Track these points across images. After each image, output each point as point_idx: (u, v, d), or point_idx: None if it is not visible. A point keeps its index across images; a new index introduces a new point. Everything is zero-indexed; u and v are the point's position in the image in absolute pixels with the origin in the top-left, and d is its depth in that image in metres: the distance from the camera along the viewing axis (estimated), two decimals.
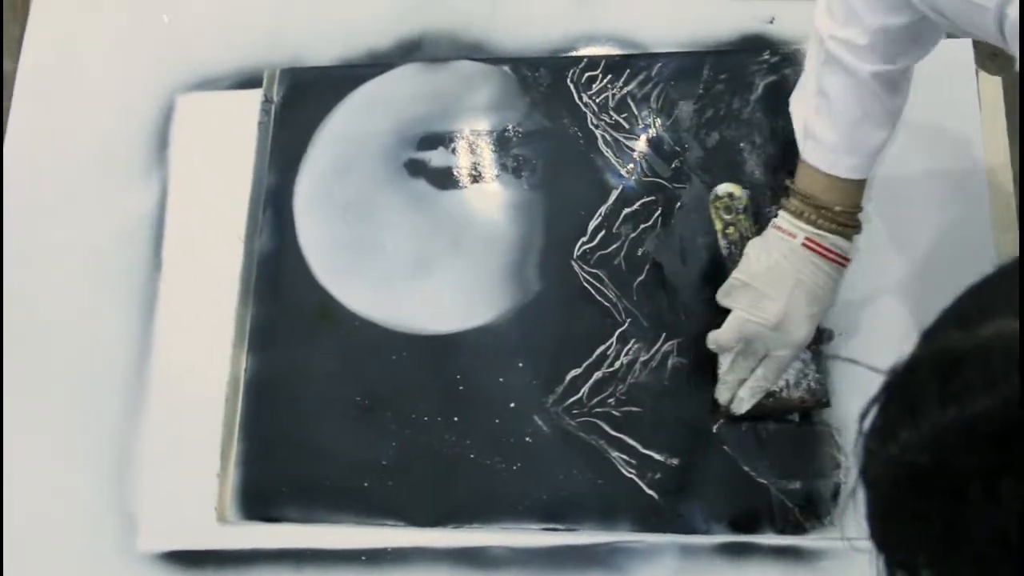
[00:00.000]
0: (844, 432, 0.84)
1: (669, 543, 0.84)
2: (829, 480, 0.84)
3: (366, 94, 1.01)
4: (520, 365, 0.90)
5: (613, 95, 0.97)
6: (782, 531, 0.83)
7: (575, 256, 0.92)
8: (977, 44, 0.93)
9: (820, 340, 0.84)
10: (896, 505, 0.41)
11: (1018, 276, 0.41)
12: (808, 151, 0.78)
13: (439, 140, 0.99)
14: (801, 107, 0.79)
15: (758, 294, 0.79)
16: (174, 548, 0.89)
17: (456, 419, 0.89)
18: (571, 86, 0.98)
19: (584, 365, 0.89)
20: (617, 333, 0.89)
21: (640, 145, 0.95)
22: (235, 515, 0.89)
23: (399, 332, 0.92)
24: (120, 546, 0.89)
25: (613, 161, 0.95)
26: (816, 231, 0.78)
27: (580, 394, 0.88)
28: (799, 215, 0.78)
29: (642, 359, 0.89)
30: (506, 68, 1.00)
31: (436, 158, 0.98)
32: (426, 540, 0.86)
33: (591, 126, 0.97)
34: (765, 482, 0.84)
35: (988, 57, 0.94)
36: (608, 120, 0.97)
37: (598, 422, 0.87)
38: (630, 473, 0.85)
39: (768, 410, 0.84)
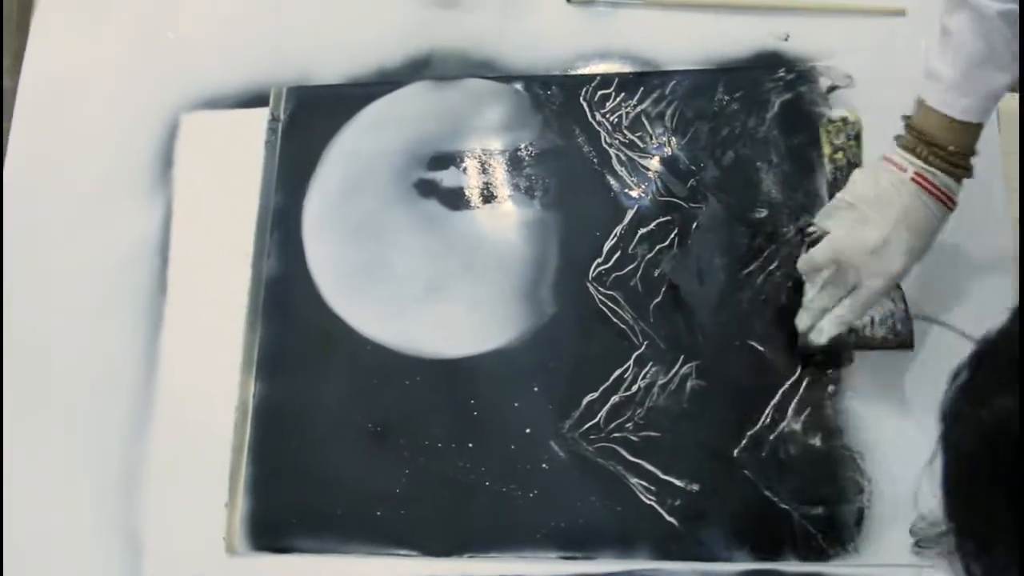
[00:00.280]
0: (867, 456, 0.83)
1: (689, 571, 0.82)
2: (852, 505, 0.82)
3: (375, 113, 1.00)
4: (535, 389, 0.88)
5: (627, 113, 0.96)
6: (805, 558, 0.81)
7: (590, 278, 0.91)
8: None
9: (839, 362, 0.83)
10: (981, 471, 0.41)
11: None
12: (926, 89, 0.77)
13: (450, 160, 0.97)
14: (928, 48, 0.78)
15: (861, 217, 0.77)
16: None
17: (470, 445, 0.87)
18: (584, 104, 0.97)
19: (601, 389, 0.87)
20: (634, 356, 0.88)
21: (655, 164, 0.94)
22: (244, 546, 0.87)
23: (411, 356, 0.90)
24: None
25: (628, 180, 0.94)
26: (927, 167, 0.76)
27: (597, 419, 0.86)
28: (911, 150, 0.77)
29: (660, 382, 0.87)
30: (518, 86, 0.99)
31: (447, 178, 0.96)
32: (441, 570, 0.84)
33: (605, 145, 0.95)
34: (787, 507, 0.82)
35: None
36: (622, 139, 0.95)
37: (616, 447, 0.85)
38: (649, 500, 0.84)
39: (847, 345, 0.83)
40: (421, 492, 0.86)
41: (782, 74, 0.96)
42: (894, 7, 0.97)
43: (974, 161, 0.77)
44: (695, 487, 0.84)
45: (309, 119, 1.00)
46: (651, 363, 0.88)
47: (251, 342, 0.93)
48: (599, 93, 0.97)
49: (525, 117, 0.98)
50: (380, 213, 0.96)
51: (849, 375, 0.85)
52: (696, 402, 0.86)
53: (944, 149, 0.76)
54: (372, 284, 0.93)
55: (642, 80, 0.97)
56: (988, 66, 0.74)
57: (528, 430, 0.87)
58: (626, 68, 0.99)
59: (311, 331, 0.93)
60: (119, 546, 0.88)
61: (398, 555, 0.85)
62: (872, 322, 0.82)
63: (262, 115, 1.01)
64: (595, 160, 0.95)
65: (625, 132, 0.96)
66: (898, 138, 0.79)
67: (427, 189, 0.96)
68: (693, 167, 0.93)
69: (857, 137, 0.89)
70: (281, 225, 0.97)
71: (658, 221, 0.92)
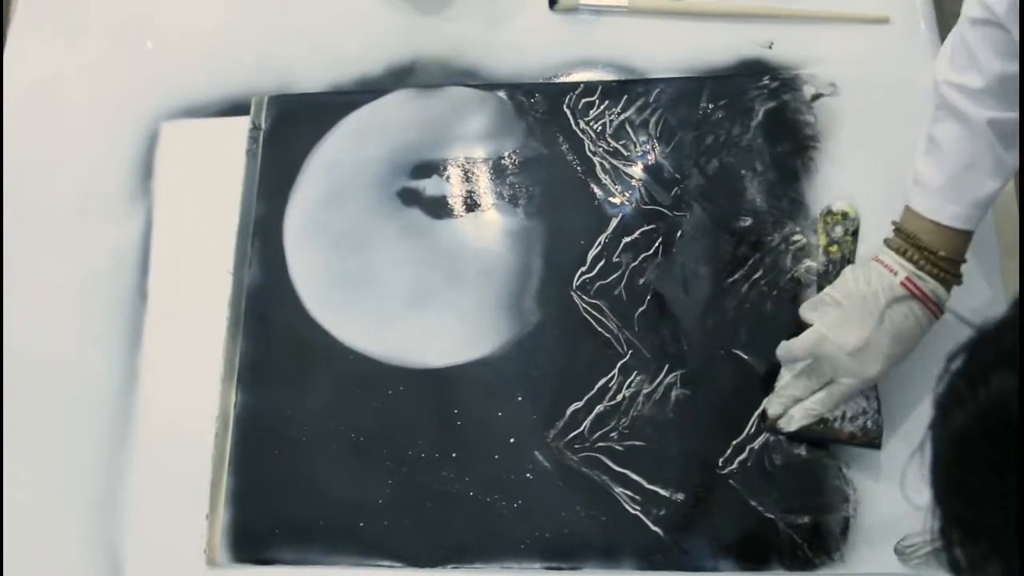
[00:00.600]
0: (852, 465, 0.83)
1: None
2: (838, 514, 0.82)
3: (357, 121, 0.99)
4: (519, 399, 0.87)
5: (611, 121, 0.96)
6: (790, 567, 0.81)
7: (574, 286, 0.90)
8: None
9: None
10: (973, 453, 0.41)
11: None
12: (912, 194, 0.77)
13: (433, 168, 0.96)
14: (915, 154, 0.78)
15: (845, 316, 0.78)
16: None
17: (454, 455, 0.86)
18: (568, 112, 0.97)
19: (585, 398, 0.87)
20: (619, 365, 0.87)
21: (639, 172, 0.94)
22: (225, 558, 0.86)
23: (394, 366, 0.90)
24: None
25: (612, 189, 0.93)
26: (917, 272, 0.77)
27: (582, 428, 0.86)
28: (901, 253, 0.77)
29: (645, 391, 0.87)
30: (501, 94, 0.98)
31: (431, 187, 0.96)
32: None
33: (589, 153, 0.95)
34: (772, 517, 0.82)
35: None
36: (606, 147, 0.95)
37: (601, 457, 0.85)
38: (634, 509, 0.83)
39: (814, 435, 0.82)
40: (405, 503, 0.85)
41: (766, 82, 0.96)
42: (878, 15, 0.97)
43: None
44: (680, 496, 0.83)
45: (291, 128, 1.00)
46: (636, 372, 0.87)
47: (232, 352, 0.92)
48: (583, 101, 0.97)
49: (508, 125, 0.97)
50: (363, 222, 0.95)
51: None
52: (681, 411, 0.86)
53: (934, 253, 0.76)
54: (355, 293, 0.93)
55: (626, 88, 0.97)
56: (973, 173, 0.74)
57: (512, 440, 0.86)
58: (610, 76, 0.99)
59: (293, 341, 0.92)
60: (99, 558, 0.87)
61: (382, 566, 0.84)
62: (843, 416, 0.82)
63: (243, 124, 1.00)
64: (579, 168, 0.94)
65: (609, 140, 0.95)
66: (888, 241, 0.79)
67: (410, 198, 0.96)
68: (677, 175, 0.93)
69: (855, 233, 0.88)
70: (263, 234, 0.96)
71: (642, 229, 0.92)
